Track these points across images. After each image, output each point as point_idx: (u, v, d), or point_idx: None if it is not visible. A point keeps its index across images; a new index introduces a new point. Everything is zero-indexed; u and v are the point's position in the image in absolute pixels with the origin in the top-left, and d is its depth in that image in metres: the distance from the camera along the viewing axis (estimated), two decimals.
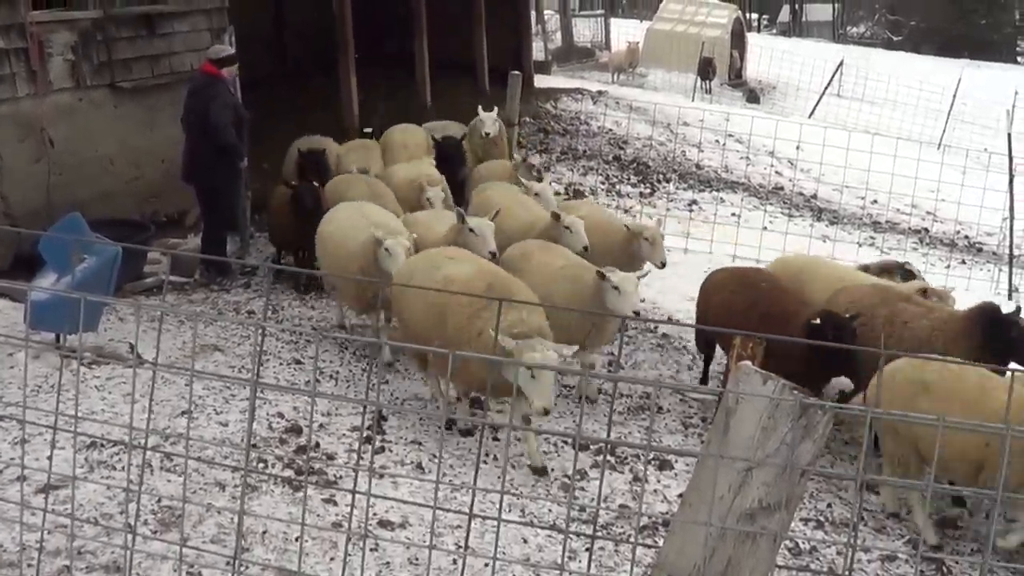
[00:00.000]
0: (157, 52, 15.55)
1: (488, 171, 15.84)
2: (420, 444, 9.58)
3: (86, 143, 14.52)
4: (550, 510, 8.72)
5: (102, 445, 8.75)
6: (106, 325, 11.65)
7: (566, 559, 7.84)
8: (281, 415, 9.80)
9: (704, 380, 11.57)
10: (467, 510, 5.33)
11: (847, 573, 4.18)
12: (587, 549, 7.94)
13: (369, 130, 19.33)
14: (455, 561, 7.50)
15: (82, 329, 10.51)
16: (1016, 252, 16.50)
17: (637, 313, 10.30)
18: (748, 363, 4.21)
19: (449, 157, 15.98)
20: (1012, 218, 16.28)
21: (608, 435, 5.08)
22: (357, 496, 7.48)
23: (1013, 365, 9.36)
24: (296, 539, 7.58)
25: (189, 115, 13.52)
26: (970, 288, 16.00)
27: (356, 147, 16.73)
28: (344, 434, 9.60)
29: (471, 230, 11.25)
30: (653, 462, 9.47)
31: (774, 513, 3.93)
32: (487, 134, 17.10)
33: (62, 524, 7.17)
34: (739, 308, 10.57)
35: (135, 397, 6.37)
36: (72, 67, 14.24)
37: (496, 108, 17.73)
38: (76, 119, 14.38)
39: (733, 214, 19.04)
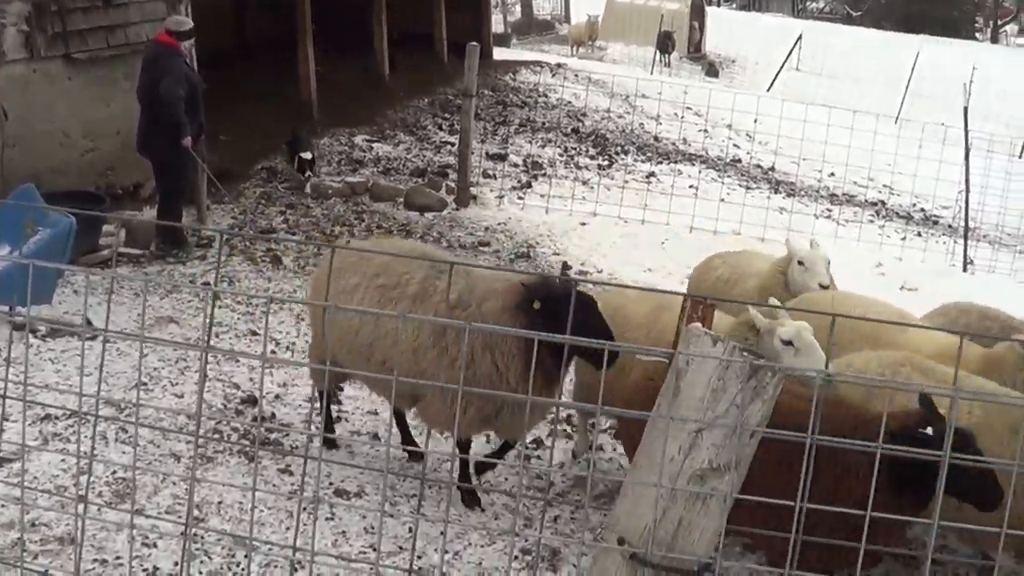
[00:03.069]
0: (112, 23, 15.36)
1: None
2: (376, 414, 9.57)
3: (41, 115, 14.37)
4: (507, 479, 8.73)
5: (56, 418, 8.72)
6: (60, 298, 11.59)
7: (521, 526, 7.87)
8: (237, 386, 9.79)
9: None
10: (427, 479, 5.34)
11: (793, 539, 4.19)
12: (551, 518, 7.97)
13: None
14: (410, 530, 7.51)
15: (35, 301, 10.48)
16: (971, 225, 16.60)
17: None
18: (698, 325, 4.22)
19: None
20: (967, 191, 16.38)
21: (559, 398, 5.08)
22: (311, 464, 7.48)
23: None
24: (252, 508, 7.58)
25: (143, 86, 13.42)
26: (926, 260, 16.13)
27: None
28: (300, 405, 9.59)
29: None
30: (609, 431, 9.49)
31: (724, 474, 3.94)
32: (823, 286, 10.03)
33: (15, 496, 7.13)
34: None
35: (88, 368, 6.34)
36: (26, 38, 14.05)
37: None
38: (30, 91, 14.22)
39: (691, 186, 19.08)
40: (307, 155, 17.23)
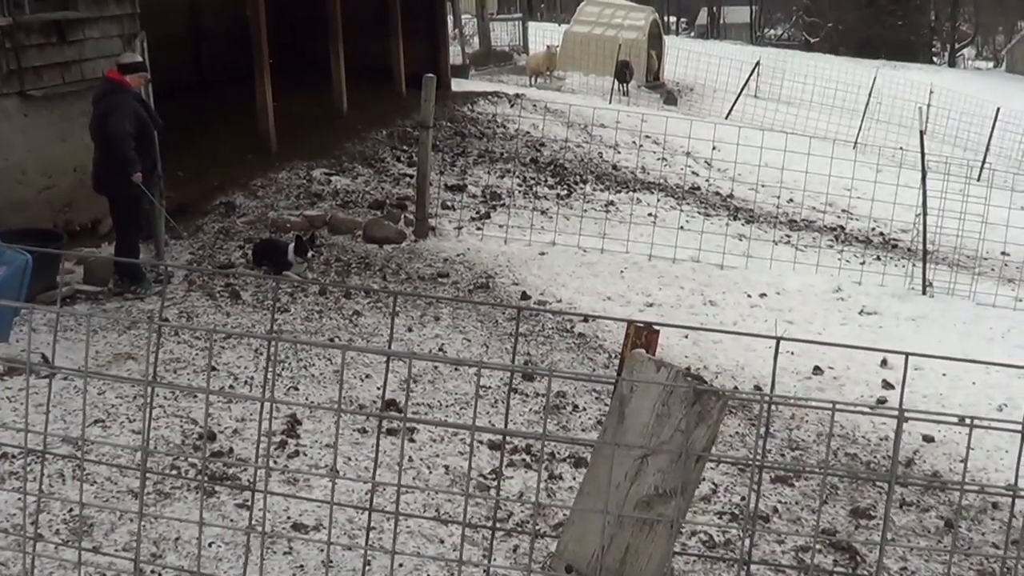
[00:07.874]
0: (68, 59, 15.34)
1: None
2: (332, 447, 9.55)
3: None
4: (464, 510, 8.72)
5: (12, 456, 8.68)
6: (18, 336, 11.54)
7: (481, 558, 7.86)
8: (194, 421, 9.75)
9: None
10: (375, 509, 5.33)
11: (746, 557, 4.21)
12: (511, 548, 7.95)
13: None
14: (368, 563, 7.49)
15: None
16: (930, 248, 16.66)
17: None
18: (641, 351, 4.23)
19: None
20: (925, 214, 16.43)
21: (505, 425, 5.09)
22: (267, 498, 7.46)
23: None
24: (209, 544, 7.55)
25: (92, 123, 13.39)
26: (885, 284, 16.19)
27: None
28: (258, 439, 9.56)
29: None
30: (568, 460, 9.50)
31: (670, 500, 3.95)
32: None
33: None
34: None
35: (43, 405, 6.31)
36: None
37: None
38: None
39: (649, 214, 19.12)
40: (304, 235, 15.05)
